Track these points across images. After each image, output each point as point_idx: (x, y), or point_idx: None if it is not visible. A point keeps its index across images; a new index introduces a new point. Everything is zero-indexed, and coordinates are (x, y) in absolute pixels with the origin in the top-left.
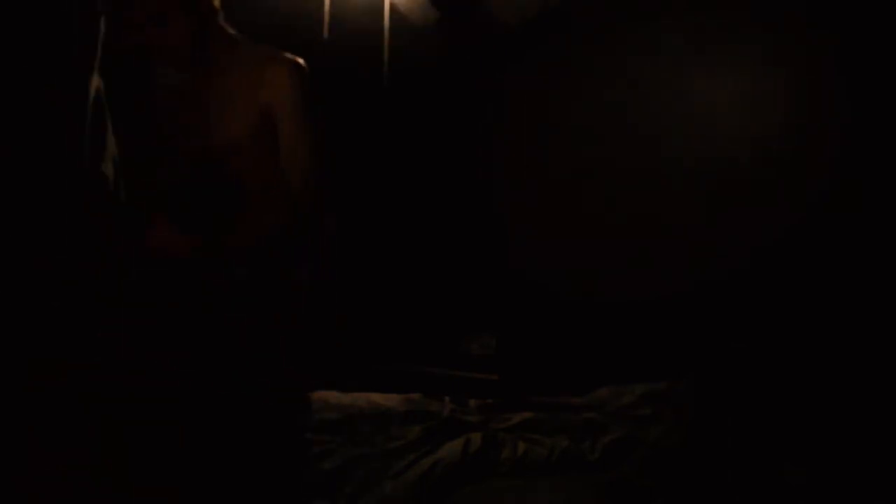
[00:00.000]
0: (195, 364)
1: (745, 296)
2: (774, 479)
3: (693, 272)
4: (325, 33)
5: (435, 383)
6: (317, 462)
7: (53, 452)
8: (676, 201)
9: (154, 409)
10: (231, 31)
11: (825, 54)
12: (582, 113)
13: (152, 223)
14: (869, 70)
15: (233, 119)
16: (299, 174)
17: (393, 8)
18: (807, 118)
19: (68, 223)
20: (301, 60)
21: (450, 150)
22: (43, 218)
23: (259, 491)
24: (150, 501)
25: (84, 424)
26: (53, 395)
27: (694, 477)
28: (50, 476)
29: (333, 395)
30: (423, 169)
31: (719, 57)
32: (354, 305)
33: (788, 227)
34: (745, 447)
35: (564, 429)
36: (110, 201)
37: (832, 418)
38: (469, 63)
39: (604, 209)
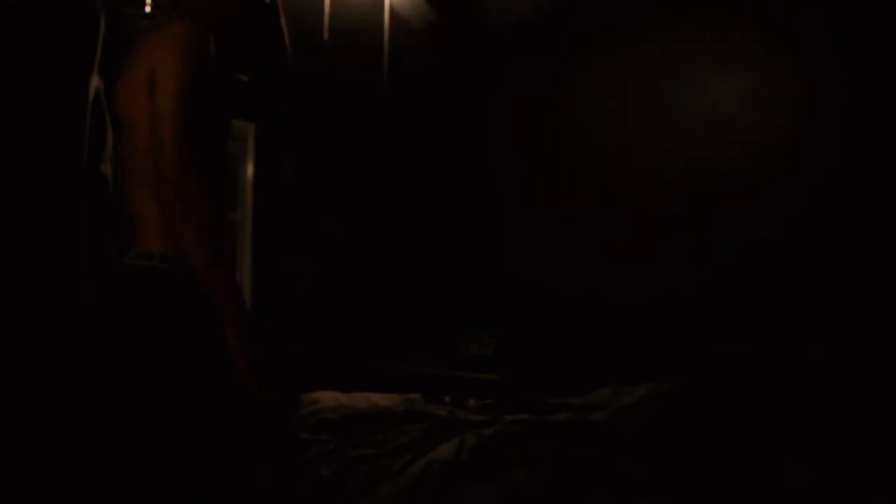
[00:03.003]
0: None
1: (745, 295)
2: (774, 479)
3: (693, 272)
4: (325, 33)
5: (435, 383)
6: (316, 464)
7: (53, 452)
8: (676, 201)
9: (150, 410)
10: None
11: (825, 54)
12: (582, 113)
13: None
14: (868, 70)
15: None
16: (164, 149)
17: (392, 8)
18: (806, 118)
19: (68, 223)
20: (189, 28)
21: (449, 151)
22: (43, 218)
23: (258, 492)
24: (149, 501)
25: (82, 424)
26: (53, 394)
27: (694, 477)
28: (50, 475)
29: (333, 396)
30: (423, 169)
31: (720, 57)
32: (354, 305)
33: (788, 226)
34: (745, 447)
35: (563, 429)
36: (109, 201)
37: (832, 418)
38: (470, 63)
39: (603, 209)
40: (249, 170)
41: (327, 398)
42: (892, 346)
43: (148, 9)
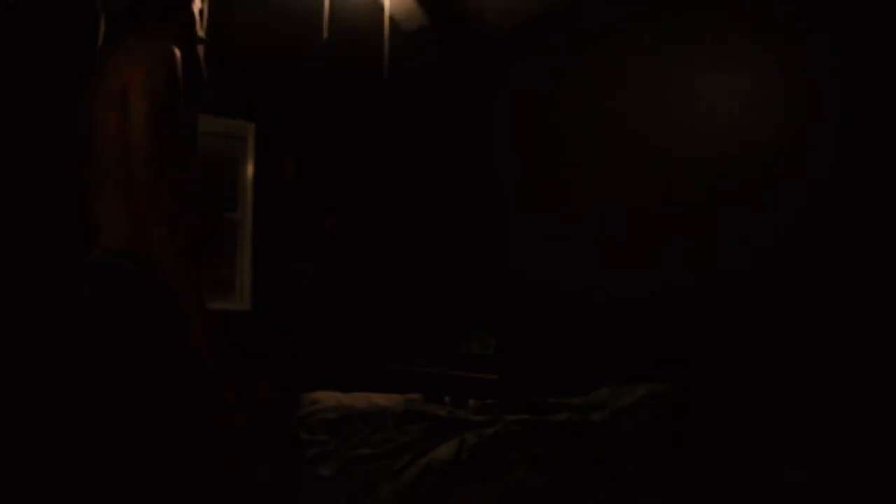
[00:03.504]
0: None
1: (744, 296)
2: (774, 479)
3: (693, 272)
4: (325, 33)
5: (435, 383)
6: (316, 464)
7: (53, 452)
8: (676, 202)
9: (132, 403)
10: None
11: (825, 54)
12: (582, 113)
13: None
14: (868, 70)
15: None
16: (137, 160)
17: (391, 9)
18: (806, 118)
19: (68, 223)
20: (159, 46)
21: (449, 151)
22: (42, 218)
23: (258, 492)
24: (147, 500)
25: (81, 425)
26: (53, 394)
27: (693, 477)
28: (48, 474)
29: (333, 396)
30: (423, 169)
31: (719, 57)
32: (354, 305)
33: (788, 226)
34: (745, 447)
35: (563, 429)
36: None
37: (832, 418)
38: (470, 63)
39: (603, 210)
40: (249, 170)
41: (327, 398)
42: (892, 346)
43: None
